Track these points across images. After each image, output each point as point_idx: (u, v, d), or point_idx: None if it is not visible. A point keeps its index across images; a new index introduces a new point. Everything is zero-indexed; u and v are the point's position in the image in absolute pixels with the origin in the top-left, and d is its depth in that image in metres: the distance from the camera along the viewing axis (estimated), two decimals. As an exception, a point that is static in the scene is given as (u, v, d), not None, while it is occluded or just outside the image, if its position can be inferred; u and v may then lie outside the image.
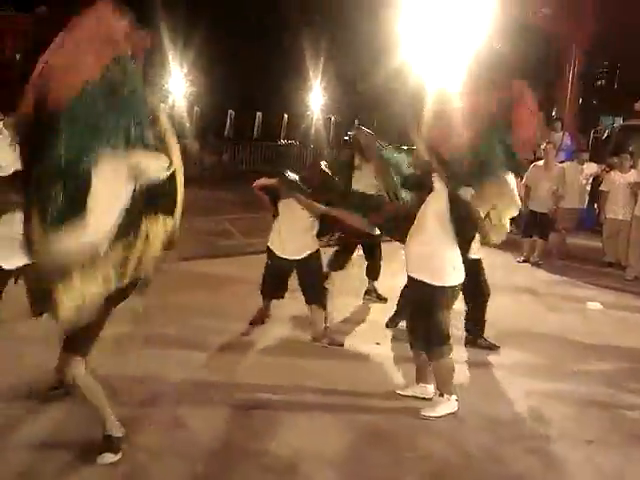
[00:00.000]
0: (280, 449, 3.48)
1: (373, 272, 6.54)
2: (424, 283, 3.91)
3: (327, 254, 6.01)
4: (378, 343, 5.34)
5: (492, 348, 5.33)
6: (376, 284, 6.58)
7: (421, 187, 4.18)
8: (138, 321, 5.07)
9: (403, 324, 5.72)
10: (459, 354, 5.19)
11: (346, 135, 21.11)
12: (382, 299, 6.51)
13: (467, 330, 5.38)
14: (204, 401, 4.02)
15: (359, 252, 6.54)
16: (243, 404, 4.01)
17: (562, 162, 10.28)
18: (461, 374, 4.82)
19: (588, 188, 10.63)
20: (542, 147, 9.60)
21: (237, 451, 3.45)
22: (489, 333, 5.41)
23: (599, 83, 29.75)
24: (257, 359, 4.83)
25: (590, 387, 4.66)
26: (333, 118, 28.42)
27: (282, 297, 5.45)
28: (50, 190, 2.51)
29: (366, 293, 6.63)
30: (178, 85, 25.62)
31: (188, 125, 21.52)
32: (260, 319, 5.55)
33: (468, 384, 4.61)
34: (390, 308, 5.86)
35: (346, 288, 6.53)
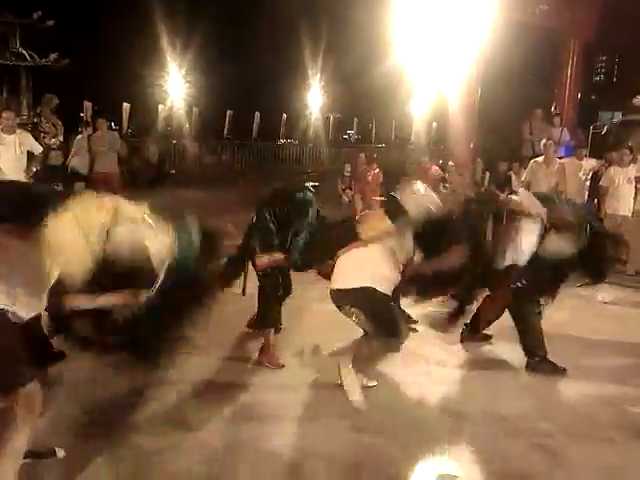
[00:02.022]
0: (286, 450, 3.49)
1: None
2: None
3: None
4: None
5: (487, 338, 5.37)
6: None
7: None
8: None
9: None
10: (462, 350, 5.23)
11: (345, 134, 21.09)
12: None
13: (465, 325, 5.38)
14: (208, 402, 4.02)
15: None
16: (248, 405, 4.01)
17: (561, 158, 10.28)
18: (465, 370, 4.84)
19: (587, 184, 10.63)
20: (542, 143, 9.61)
21: (243, 452, 3.45)
22: (493, 330, 5.42)
23: (598, 78, 29.77)
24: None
25: (596, 383, 4.65)
26: (332, 117, 28.45)
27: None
28: None
29: None
30: (177, 86, 25.64)
31: (187, 126, 21.53)
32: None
33: (472, 380, 4.62)
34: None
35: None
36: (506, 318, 5.85)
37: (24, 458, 2.77)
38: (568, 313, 6.49)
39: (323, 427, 3.78)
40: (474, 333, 5.39)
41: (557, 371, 4.78)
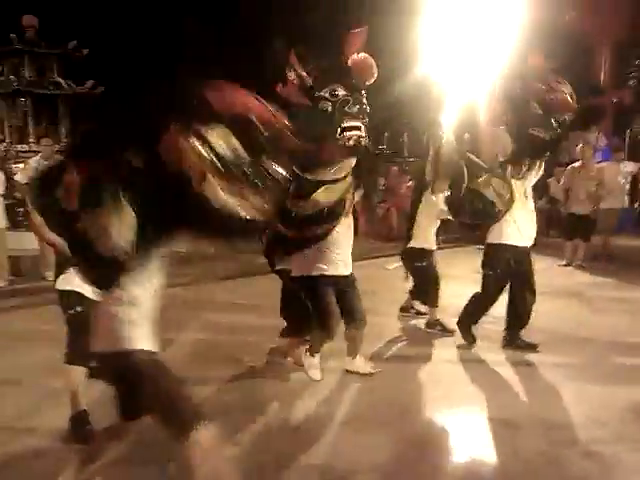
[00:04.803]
0: (334, 461, 3.47)
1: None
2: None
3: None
4: (423, 353, 5.33)
5: (532, 347, 5.26)
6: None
7: None
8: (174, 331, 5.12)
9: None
10: (504, 358, 5.16)
11: (378, 149, 21.04)
12: (422, 314, 6.36)
13: (506, 330, 5.37)
14: (253, 417, 4.03)
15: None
16: (294, 419, 4.01)
17: (599, 162, 10.13)
18: (512, 379, 4.77)
19: (627, 187, 10.46)
20: (578, 148, 9.47)
21: (291, 465, 3.44)
22: (537, 338, 5.35)
23: (631, 83, 29.29)
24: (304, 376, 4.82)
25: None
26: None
27: None
28: None
29: (403, 310, 6.51)
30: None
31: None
32: None
33: (520, 389, 4.55)
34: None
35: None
36: (552, 327, 5.81)
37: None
38: (611, 318, 6.40)
39: (374, 439, 3.75)
40: (514, 337, 5.35)
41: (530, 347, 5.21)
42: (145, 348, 2.50)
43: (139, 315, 2.53)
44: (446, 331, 5.83)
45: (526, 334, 5.37)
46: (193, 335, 5.71)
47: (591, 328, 6.00)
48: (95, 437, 3.60)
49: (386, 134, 22.85)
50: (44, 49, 12.14)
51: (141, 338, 2.51)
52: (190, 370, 4.36)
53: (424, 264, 5.84)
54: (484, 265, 5.28)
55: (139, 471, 3.23)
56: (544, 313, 5.78)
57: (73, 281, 3.59)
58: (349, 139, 3.26)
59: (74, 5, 13.63)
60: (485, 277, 5.28)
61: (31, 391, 4.40)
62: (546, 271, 8.31)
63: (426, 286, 5.94)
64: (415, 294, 6.26)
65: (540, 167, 5.07)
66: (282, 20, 13.61)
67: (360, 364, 4.79)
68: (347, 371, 4.77)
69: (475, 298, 5.40)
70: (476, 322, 5.48)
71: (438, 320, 5.96)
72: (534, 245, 5.20)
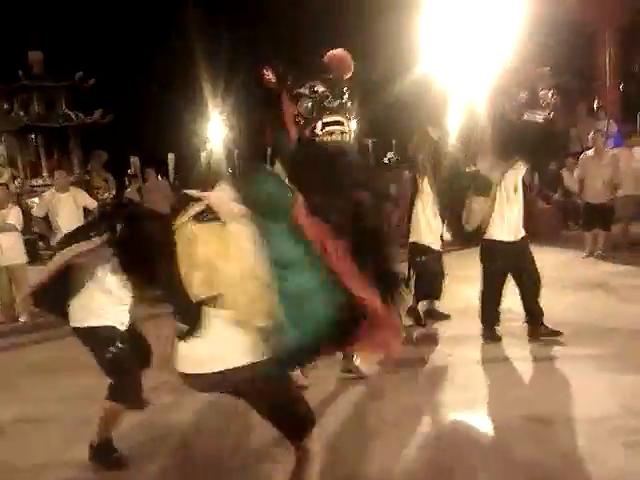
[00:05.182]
0: (370, 468, 3.45)
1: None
2: None
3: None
4: (450, 354, 5.30)
5: (556, 334, 5.32)
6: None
7: None
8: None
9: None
10: (531, 354, 5.12)
11: (385, 157, 20.94)
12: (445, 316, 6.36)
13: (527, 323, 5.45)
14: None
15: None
16: (328, 426, 3.99)
17: (612, 149, 10.03)
18: (543, 372, 4.72)
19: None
20: (589, 136, 9.39)
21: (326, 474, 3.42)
22: (564, 330, 5.32)
23: (635, 68, 29.02)
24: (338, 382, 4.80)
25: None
26: (370, 142, 28.37)
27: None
28: None
29: (427, 313, 6.40)
30: (217, 131, 25.95)
31: (228, 169, 21.67)
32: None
33: (552, 383, 4.50)
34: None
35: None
36: (579, 319, 5.75)
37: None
38: (638, 307, 6.30)
39: (410, 446, 3.73)
40: (536, 326, 5.39)
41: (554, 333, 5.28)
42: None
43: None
44: (443, 317, 6.29)
45: (553, 327, 5.34)
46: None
47: (618, 317, 5.91)
48: (127, 462, 3.65)
49: (394, 141, 22.84)
50: (51, 82, 12.31)
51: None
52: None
53: (423, 259, 5.91)
54: (480, 261, 5.47)
55: None
56: (570, 305, 5.73)
57: (106, 315, 3.57)
58: (331, 133, 3.26)
59: (77, 38, 13.82)
60: (482, 272, 5.50)
61: (63, 424, 4.42)
62: (568, 263, 8.24)
63: (424, 282, 6.01)
64: (415, 290, 6.25)
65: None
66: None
67: (360, 365, 4.81)
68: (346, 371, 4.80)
69: (481, 295, 5.55)
70: (496, 319, 5.52)
71: (434, 308, 6.34)
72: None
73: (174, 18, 15.92)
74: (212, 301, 2.34)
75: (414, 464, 3.46)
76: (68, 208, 8.36)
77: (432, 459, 3.53)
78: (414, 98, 7.41)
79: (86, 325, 3.56)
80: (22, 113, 12.23)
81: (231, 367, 2.38)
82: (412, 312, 6.10)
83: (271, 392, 2.55)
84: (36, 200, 8.83)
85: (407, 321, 6.15)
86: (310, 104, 3.15)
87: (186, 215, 2.44)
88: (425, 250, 5.94)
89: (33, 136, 12.50)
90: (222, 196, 2.48)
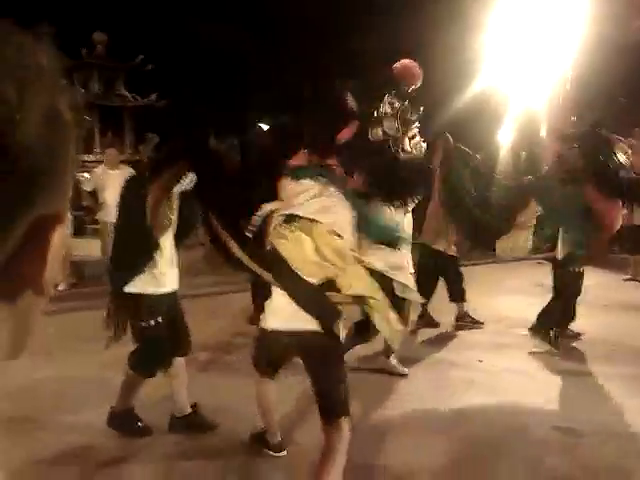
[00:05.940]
0: (389, 462, 3.44)
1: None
2: None
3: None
4: (480, 360, 5.24)
5: (576, 336, 5.51)
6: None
7: None
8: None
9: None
10: (568, 366, 5.04)
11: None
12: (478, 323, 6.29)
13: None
14: (310, 418, 4.02)
15: None
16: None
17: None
18: (574, 388, 4.65)
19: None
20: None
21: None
22: (600, 349, 5.26)
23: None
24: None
25: None
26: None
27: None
28: None
29: (458, 319, 6.35)
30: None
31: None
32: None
33: (584, 398, 4.43)
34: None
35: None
36: (616, 340, 5.65)
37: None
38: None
39: (429, 442, 3.71)
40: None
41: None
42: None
43: None
44: (476, 323, 6.19)
45: (590, 346, 5.34)
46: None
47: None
48: (150, 433, 3.69)
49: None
50: (112, 63, 12.56)
51: None
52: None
53: (428, 262, 5.81)
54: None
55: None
56: (607, 325, 5.63)
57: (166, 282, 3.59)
58: (416, 148, 3.24)
59: (141, 23, 14.09)
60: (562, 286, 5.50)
61: (98, 387, 4.46)
62: (608, 284, 8.07)
63: (426, 284, 5.66)
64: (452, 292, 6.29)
65: None
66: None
67: (395, 364, 4.88)
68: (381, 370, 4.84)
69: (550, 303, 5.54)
70: (551, 328, 5.49)
71: (466, 312, 6.26)
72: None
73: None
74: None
75: (437, 469, 3.44)
76: (117, 185, 8.50)
77: (456, 462, 3.51)
78: (475, 109, 7.36)
79: (134, 291, 3.54)
80: (81, 90, 12.50)
81: (318, 329, 2.74)
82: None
83: (334, 363, 2.83)
84: (86, 175, 8.99)
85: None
86: (395, 123, 3.16)
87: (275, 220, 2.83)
88: (431, 252, 5.90)
89: (89, 113, 12.74)
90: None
